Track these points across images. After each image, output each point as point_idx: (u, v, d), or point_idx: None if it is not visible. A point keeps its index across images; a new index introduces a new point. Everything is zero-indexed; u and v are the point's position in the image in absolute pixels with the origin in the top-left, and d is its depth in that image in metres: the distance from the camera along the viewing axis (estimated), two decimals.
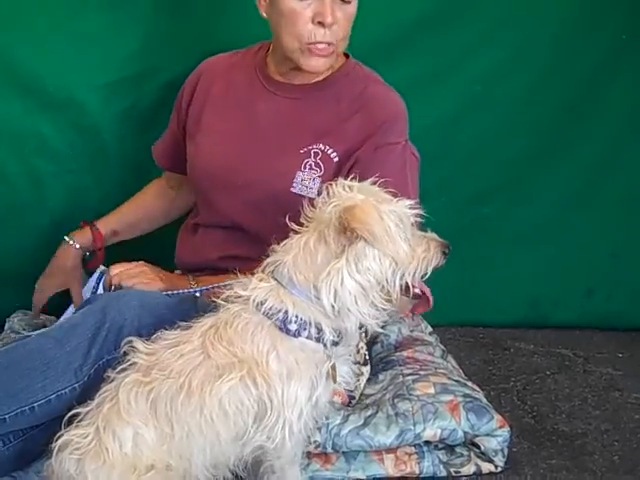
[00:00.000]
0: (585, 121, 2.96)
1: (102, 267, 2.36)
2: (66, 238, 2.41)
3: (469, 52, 2.84)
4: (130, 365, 1.68)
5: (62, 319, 2.32)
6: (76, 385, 1.82)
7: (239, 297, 1.70)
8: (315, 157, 2.12)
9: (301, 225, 1.68)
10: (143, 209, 2.52)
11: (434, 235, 1.71)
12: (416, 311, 1.89)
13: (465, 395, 2.19)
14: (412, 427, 2.09)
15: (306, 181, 2.11)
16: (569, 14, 2.86)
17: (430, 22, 2.81)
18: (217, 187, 2.21)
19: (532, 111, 2.94)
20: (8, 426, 1.83)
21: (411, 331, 2.61)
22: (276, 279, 1.68)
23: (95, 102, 2.68)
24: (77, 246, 2.39)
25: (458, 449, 2.15)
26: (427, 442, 2.12)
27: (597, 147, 2.99)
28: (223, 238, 2.21)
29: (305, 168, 2.12)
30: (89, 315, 1.86)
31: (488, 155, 2.96)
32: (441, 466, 2.13)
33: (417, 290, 1.70)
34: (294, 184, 2.12)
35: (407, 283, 1.67)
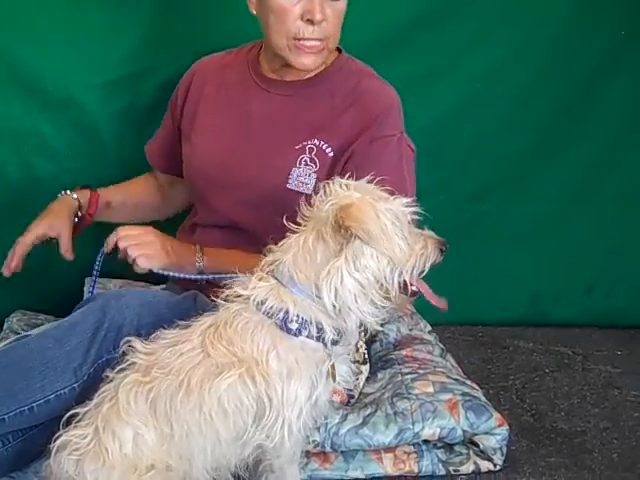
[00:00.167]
0: (584, 119, 2.96)
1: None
2: (65, 191, 2.38)
3: (467, 50, 2.84)
4: (129, 365, 1.68)
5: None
6: (75, 385, 1.81)
7: (239, 296, 1.69)
8: (310, 153, 2.12)
9: (298, 224, 1.68)
10: (135, 197, 2.50)
11: (431, 233, 1.71)
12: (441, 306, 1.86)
13: (464, 394, 2.19)
14: (411, 426, 2.09)
15: (301, 177, 2.11)
16: (567, 12, 2.86)
17: (428, 20, 2.81)
18: (213, 187, 2.21)
19: (531, 109, 2.94)
20: (7, 426, 1.83)
21: (410, 330, 2.61)
22: (276, 278, 1.68)
23: (94, 101, 2.68)
24: (74, 196, 2.34)
25: (457, 448, 2.15)
26: (426, 441, 2.13)
27: (596, 144, 3.00)
28: (221, 238, 2.20)
29: (300, 164, 2.12)
30: (88, 314, 1.85)
31: (487, 153, 2.96)
32: (440, 465, 2.13)
33: (413, 288, 1.70)
34: (289, 180, 2.12)
35: (405, 281, 1.67)
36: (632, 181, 3.04)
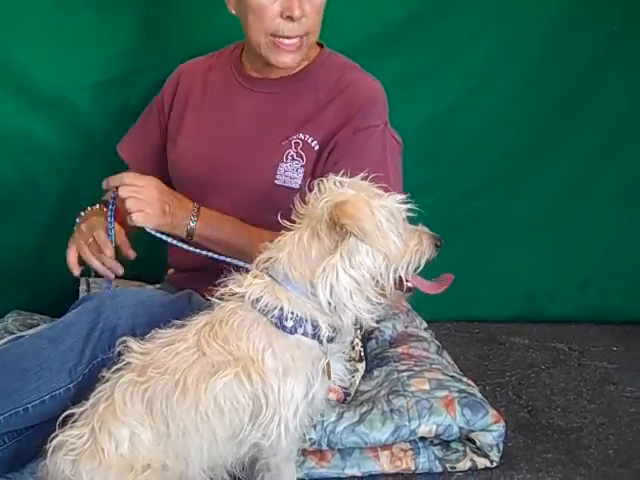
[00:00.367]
0: (578, 115, 2.97)
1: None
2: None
3: (461, 48, 2.85)
4: (125, 365, 1.67)
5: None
6: (70, 385, 1.80)
7: (234, 294, 1.69)
8: (296, 147, 2.11)
9: (292, 220, 1.68)
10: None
11: (425, 228, 1.71)
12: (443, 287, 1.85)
13: (460, 390, 2.19)
14: (407, 423, 2.09)
15: (289, 172, 2.11)
16: (560, 9, 2.87)
17: (423, 18, 2.82)
18: (202, 188, 2.18)
19: (525, 105, 2.94)
20: (2, 427, 1.82)
21: (406, 327, 2.61)
22: (271, 275, 1.67)
23: (87, 101, 2.69)
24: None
25: (453, 445, 2.16)
26: (422, 438, 2.13)
27: (591, 140, 3.00)
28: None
29: (287, 159, 2.11)
30: (83, 314, 1.85)
31: (482, 149, 2.97)
32: (437, 462, 2.13)
33: (409, 284, 1.70)
34: (277, 176, 2.11)
35: (400, 277, 1.67)
36: (627, 177, 3.05)
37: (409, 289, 1.72)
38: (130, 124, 2.42)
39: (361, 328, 1.91)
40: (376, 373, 2.33)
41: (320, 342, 1.68)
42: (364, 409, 2.14)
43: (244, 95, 2.21)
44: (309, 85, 2.16)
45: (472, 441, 2.15)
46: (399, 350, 2.45)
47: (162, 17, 2.67)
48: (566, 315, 3.11)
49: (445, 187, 2.99)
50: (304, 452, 2.06)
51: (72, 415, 1.68)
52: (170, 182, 2.23)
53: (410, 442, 2.14)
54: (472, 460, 2.15)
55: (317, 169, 2.10)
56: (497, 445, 2.15)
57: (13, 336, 2.06)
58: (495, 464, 2.15)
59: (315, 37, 2.14)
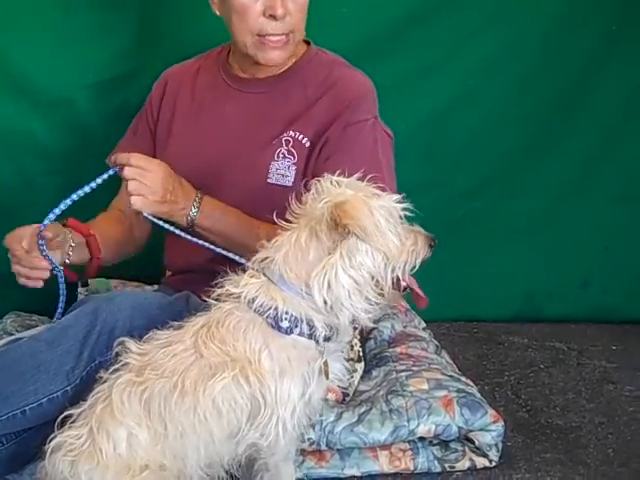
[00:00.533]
0: (577, 114, 2.97)
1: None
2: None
3: (460, 47, 2.85)
4: (123, 365, 1.67)
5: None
6: (68, 388, 1.80)
7: (230, 295, 1.69)
8: (287, 145, 2.11)
9: (286, 219, 1.68)
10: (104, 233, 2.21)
11: (420, 228, 1.71)
12: (420, 304, 1.85)
13: (459, 390, 2.19)
14: (406, 423, 2.09)
15: (281, 170, 2.11)
16: (559, 8, 2.87)
17: (421, 17, 2.82)
18: None
19: (524, 105, 2.95)
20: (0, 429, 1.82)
21: (404, 327, 2.61)
22: (266, 275, 1.67)
23: (85, 101, 2.69)
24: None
25: (452, 444, 2.15)
26: (421, 438, 2.13)
27: (590, 139, 3.01)
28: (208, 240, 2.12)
29: (278, 157, 2.11)
30: (81, 317, 1.84)
31: (480, 149, 2.97)
32: (436, 462, 2.13)
33: (404, 283, 1.70)
34: (269, 175, 2.11)
35: (397, 277, 1.67)
36: (626, 176, 3.05)
37: (404, 288, 1.72)
38: (129, 124, 2.42)
39: (358, 327, 1.92)
40: (375, 373, 2.33)
41: (317, 342, 1.68)
42: (363, 409, 2.14)
43: (233, 96, 2.21)
44: (297, 83, 2.16)
45: (471, 441, 2.15)
46: (398, 350, 2.45)
47: (161, 17, 2.67)
48: (565, 314, 3.11)
49: (443, 187, 2.99)
50: (303, 452, 2.06)
51: (70, 416, 1.68)
52: None
53: (409, 442, 2.13)
54: (471, 460, 2.15)
55: (309, 166, 2.10)
56: (496, 445, 2.15)
57: (11, 338, 2.06)
58: (494, 464, 2.15)
59: (301, 34, 2.14)
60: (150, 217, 1.97)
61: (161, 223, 1.99)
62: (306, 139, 2.12)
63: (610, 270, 3.12)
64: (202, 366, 1.63)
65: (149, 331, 1.72)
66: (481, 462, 2.15)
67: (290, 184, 2.08)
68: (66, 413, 1.68)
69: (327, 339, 1.69)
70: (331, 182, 1.67)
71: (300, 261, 1.64)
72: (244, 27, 2.06)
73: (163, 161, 2.19)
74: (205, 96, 2.24)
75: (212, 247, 1.98)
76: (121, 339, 1.71)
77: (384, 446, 2.12)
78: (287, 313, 1.65)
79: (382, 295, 1.67)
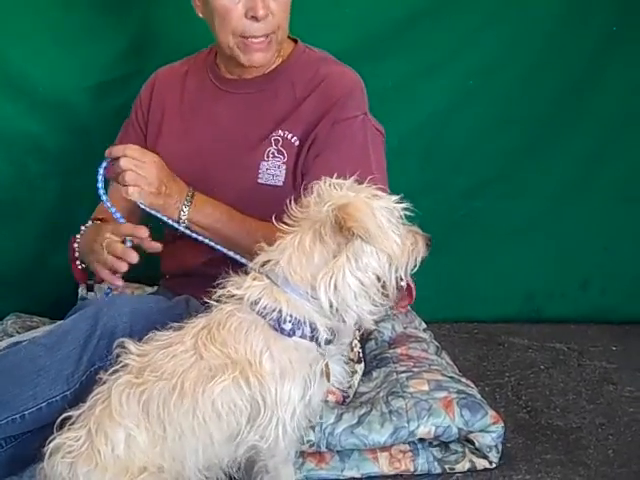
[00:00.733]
0: (577, 115, 2.97)
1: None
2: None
3: (460, 48, 2.86)
4: (122, 367, 1.67)
5: None
6: (67, 393, 1.80)
7: (232, 296, 1.69)
8: (276, 144, 2.11)
9: (279, 219, 1.68)
10: None
11: (417, 228, 1.71)
12: (400, 305, 1.87)
13: (459, 391, 2.19)
14: (406, 424, 2.09)
15: (271, 170, 2.11)
16: (560, 8, 2.87)
17: (422, 18, 2.83)
18: None
19: (524, 105, 2.95)
20: None
21: (405, 328, 2.61)
22: (270, 278, 1.67)
23: (85, 103, 2.70)
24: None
25: (452, 446, 2.15)
26: (421, 439, 2.12)
27: (589, 140, 3.01)
28: (203, 244, 2.08)
29: (268, 157, 2.11)
30: (80, 321, 1.83)
31: (480, 150, 2.97)
32: (436, 463, 2.13)
33: (403, 283, 1.70)
34: (259, 174, 2.11)
35: (400, 276, 1.68)
36: (626, 177, 3.05)
37: (404, 288, 1.72)
38: None
39: (360, 329, 1.92)
40: (375, 374, 2.32)
41: (318, 344, 1.68)
42: (363, 411, 2.14)
43: (221, 97, 2.20)
44: (285, 82, 2.16)
45: (471, 442, 2.14)
46: (398, 351, 2.44)
47: (160, 19, 2.67)
48: (565, 315, 3.10)
49: (443, 187, 2.99)
50: (303, 454, 2.06)
51: (70, 417, 1.67)
52: None
53: (409, 443, 2.13)
54: (471, 461, 2.15)
55: (298, 164, 2.09)
56: (496, 446, 2.14)
57: (10, 341, 2.06)
58: (494, 465, 2.15)
59: (284, 33, 2.13)
60: (147, 209, 1.97)
61: (158, 215, 1.99)
62: (295, 138, 2.11)
63: (610, 271, 3.12)
64: (202, 368, 1.62)
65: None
66: (481, 463, 2.15)
67: (280, 183, 2.09)
68: (65, 415, 1.68)
69: (328, 342, 1.69)
70: (331, 185, 1.67)
71: (305, 264, 1.64)
72: (226, 29, 2.05)
73: None
74: (194, 98, 2.24)
75: (205, 240, 1.97)
76: (121, 340, 1.71)
77: (384, 447, 2.11)
78: (290, 315, 1.64)
79: (386, 296, 1.68)
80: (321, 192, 1.67)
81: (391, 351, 2.45)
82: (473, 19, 2.84)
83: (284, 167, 2.10)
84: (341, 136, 2.08)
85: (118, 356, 1.69)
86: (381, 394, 2.20)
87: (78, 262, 2.11)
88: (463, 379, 2.32)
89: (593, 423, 2.41)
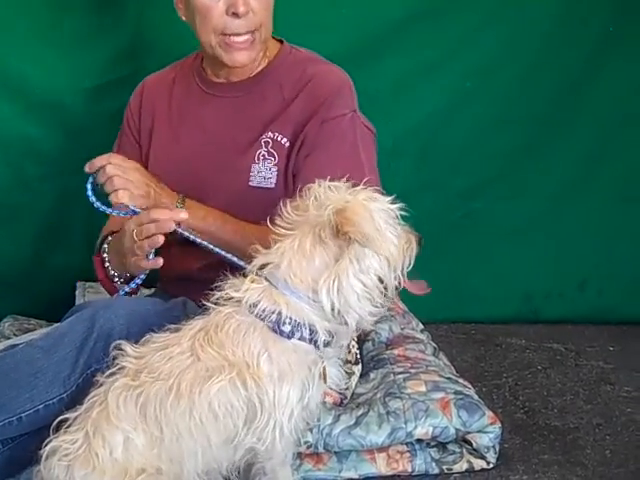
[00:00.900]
0: (575, 115, 2.98)
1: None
2: None
3: (458, 49, 2.87)
4: (119, 369, 1.67)
5: None
6: (64, 395, 1.79)
7: (230, 299, 1.69)
8: (266, 146, 2.11)
9: (272, 221, 1.68)
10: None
11: (409, 227, 1.72)
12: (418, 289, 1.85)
13: (456, 392, 2.19)
14: (404, 425, 2.09)
15: (262, 172, 2.10)
16: (557, 9, 2.87)
17: (419, 19, 2.83)
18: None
19: (521, 105, 2.95)
20: None
21: (402, 329, 2.60)
22: (269, 281, 1.67)
23: (82, 105, 2.70)
24: None
25: (450, 446, 2.15)
26: (419, 440, 2.12)
27: (587, 140, 3.01)
28: (198, 249, 2.06)
29: (259, 160, 2.11)
30: (77, 324, 1.83)
31: (478, 150, 2.98)
32: (433, 464, 2.13)
33: (397, 282, 1.71)
34: (251, 177, 2.10)
35: (398, 277, 1.68)
36: (624, 177, 3.05)
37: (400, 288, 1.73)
38: None
39: (358, 330, 1.92)
40: (372, 375, 2.32)
41: (317, 347, 1.68)
42: (360, 412, 2.13)
43: (209, 102, 2.20)
44: (273, 83, 2.15)
45: (469, 443, 2.15)
46: (395, 352, 2.44)
47: (157, 21, 2.67)
48: (563, 316, 3.11)
49: (441, 188, 3.00)
50: (301, 455, 2.06)
51: (66, 420, 1.67)
52: None
53: (406, 444, 2.13)
54: (469, 462, 2.15)
55: (290, 165, 2.09)
56: (494, 446, 2.14)
57: (7, 344, 2.06)
58: (492, 465, 2.15)
59: (267, 32, 2.11)
60: (139, 211, 1.96)
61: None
62: (285, 139, 2.11)
63: (608, 271, 3.12)
64: (198, 369, 1.62)
65: None
66: (479, 464, 2.15)
67: (272, 185, 2.08)
68: (62, 417, 1.67)
69: (326, 344, 1.69)
70: (328, 187, 1.67)
71: (305, 267, 1.64)
72: (208, 27, 2.04)
73: (147, 169, 2.18)
74: (182, 104, 2.23)
75: (206, 244, 1.96)
76: (117, 342, 1.70)
77: (381, 448, 2.11)
78: (290, 318, 1.64)
79: (386, 296, 1.68)
80: (318, 195, 1.67)
81: (388, 352, 2.44)
82: (470, 20, 2.85)
83: (275, 169, 2.10)
84: (330, 135, 2.07)
85: (115, 358, 1.68)
86: (378, 395, 2.20)
87: (114, 274, 2.10)
88: (460, 380, 2.32)
89: (590, 423, 2.41)
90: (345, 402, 2.21)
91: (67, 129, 2.71)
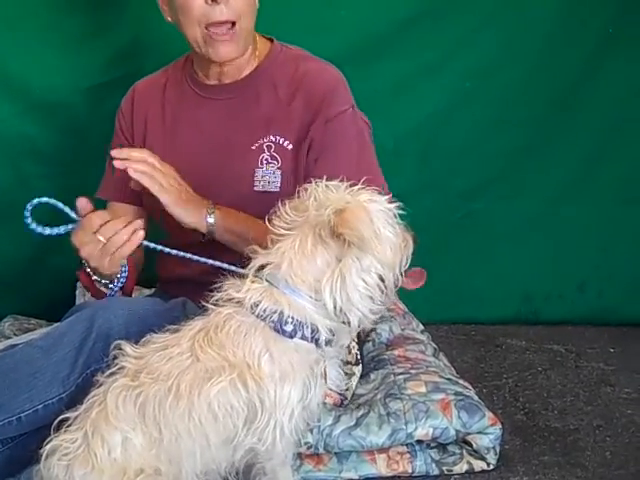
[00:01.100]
0: (574, 116, 2.97)
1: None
2: None
3: (457, 49, 2.86)
4: (118, 369, 1.66)
5: None
6: (63, 395, 1.79)
7: (230, 299, 1.68)
8: (269, 150, 2.10)
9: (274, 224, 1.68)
10: None
11: (404, 226, 1.72)
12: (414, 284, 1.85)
13: (457, 393, 2.19)
14: (404, 426, 2.09)
15: (267, 176, 2.09)
16: (556, 10, 2.87)
17: (418, 20, 2.83)
18: None
19: (521, 106, 2.95)
20: None
21: (402, 330, 2.60)
22: (269, 281, 1.67)
23: (81, 104, 2.70)
24: None
25: (450, 447, 2.15)
26: (419, 441, 2.12)
27: (587, 141, 3.01)
28: (199, 253, 2.02)
29: (262, 164, 2.10)
30: (76, 324, 1.83)
31: (478, 151, 2.97)
32: (433, 465, 2.13)
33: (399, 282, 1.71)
34: (255, 182, 2.09)
35: (397, 275, 1.68)
36: (624, 178, 3.05)
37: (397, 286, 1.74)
38: None
39: (359, 330, 1.91)
40: (373, 376, 2.32)
41: (318, 345, 1.68)
42: (361, 412, 2.13)
43: (203, 105, 2.18)
44: (266, 83, 2.14)
45: (469, 444, 2.14)
46: (396, 353, 2.44)
47: (156, 21, 2.65)
48: (563, 317, 3.11)
49: (441, 188, 3.00)
50: (301, 456, 2.06)
51: (67, 419, 1.67)
52: None
53: (407, 445, 2.13)
54: (469, 463, 2.15)
55: (298, 169, 2.08)
56: (494, 448, 2.14)
57: (7, 344, 2.06)
58: (492, 467, 2.15)
59: (248, 23, 2.08)
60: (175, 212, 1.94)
61: (183, 218, 1.97)
62: (287, 142, 2.10)
63: (608, 272, 3.12)
64: (198, 370, 1.62)
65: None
66: (479, 465, 2.15)
67: (277, 189, 2.07)
68: (62, 417, 1.67)
69: (327, 343, 1.69)
70: (328, 187, 1.67)
71: (306, 266, 1.63)
72: (191, 20, 2.03)
73: None
74: (176, 109, 2.22)
75: (196, 258, 1.94)
76: (117, 342, 1.70)
77: (382, 449, 2.11)
78: (292, 317, 1.64)
79: (386, 294, 1.68)
80: (317, 195, 1.67)
81: (389, 353, 2.44)
82: (470, 20, 2.84)
83: (279, 172, 2.09)
84: (335, 134, 2.07)
85: (114, 358, 1.68)
86: (379, 396, 2.20)
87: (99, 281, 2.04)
88: (461, 381, 2.32)
89: (590, 425, 2.41)
90: (345, 403, 2.21)
91: (67, 129, 2.71)
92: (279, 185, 2.08)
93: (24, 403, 1.79)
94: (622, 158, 3.02)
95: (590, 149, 3.02)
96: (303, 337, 1.65)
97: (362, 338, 2.48)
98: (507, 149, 2.98)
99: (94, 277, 1.98)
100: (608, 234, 3.09)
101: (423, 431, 2.10)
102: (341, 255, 1.62)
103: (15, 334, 2.54)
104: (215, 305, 1.69)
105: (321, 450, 2.07)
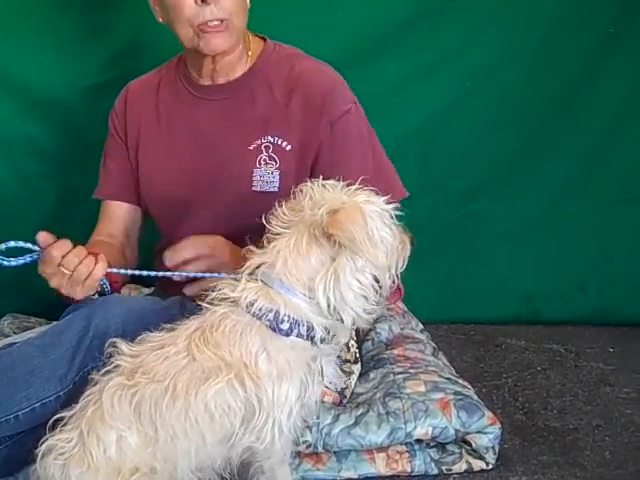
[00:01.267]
0: (574, 116, 2.97)
1: None
2: None
3: (457, 49, 2.86)
4: (114, 368, 1.66)
5: None
6: (61, 393, 1.79)
7: (226, 299, 1.68)
8: (267, 151, 2.08)
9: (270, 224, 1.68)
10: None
11: (402, 228, 1.71)
12: (391, 301, 1.87)
13: (456, 393, 2.19)
14: (403, 426, 2.09)
15: (265, 177, 2.08)
16: (556, 10, 2.86)
17: (418, 20, 2.82)
18: (181, 209, 2.14)
19: (521, 107, 2.95)
20: None
21: (402, 329, 2.61)
22: (263, 281, 1.67)
23: (81, 103, 2.70)
24: None
25: (449, 447, 2.15)
26: (418, 440, 2.12)
27: (587, 141, 3.00)
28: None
29: (260, 164, 2.08)
30: (74, 322, 1.83)
31: (478, 151, 2.97)
32: (432, 464, 2.13)
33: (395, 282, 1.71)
34: (254, 182, 2.08)
35: (392, 276, 1.69)
36: (624, 178, 3.04)
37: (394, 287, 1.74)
38: None
39: (357, 331, 1.92)
40: (372, 375, 2.32)
41: (313, 343, 1.68)
42: (360, 411, 2.13)
43: (198, 105, 2.16)
44: (261, 83, 2.12)
45: (468, 443, 2.14)
46: (395, 352, 2.44)
47: (154, 21, 2.65)
48: (563, 317, 3.10)
49: (441, 188, 2.99)
50: (300, 455, 2.06)
51: (62, 419, 1.67)
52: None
53: (406, 444, 2.13)
54: (468, 462, 2.15)
55: (299, 171, 2.06)
56: (493, 447, 2.14)
57: (5, 342, 2.06)
58: (491, 466, 2.15)
59: (239, 21, 2.05)
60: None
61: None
62: (286, 143, 2.08)
63: (608, 272, 3.11)
64: (194, 370, 1.62)
65: None
66: (478, 465, 2.15)
67: (276, 189, 2.06)
68: (57, 416, 1.67)
69: (322, 340, 1.69)
70: (324, 186, 1.67)
71: (301, 265, 1.64)
72: (182, 20, 2.01)
73: (143, 184, 2.20)
74: (170, 110, 2.20)
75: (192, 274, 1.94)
76: (113, 340, 1.70)
77: (381, 448, 2.11)
78: (288, 316, 1.64)
79: (381, 295, 1.68)
80: (313, 195, 1.67)
81: (388, 352, 2.44)
82: (470, 20, 2.84)
83: (277, 173, 2.07)
84: (343, 136, 2.06)
85: (110, 356, 1.68)
86: (378, 395, 2.20)
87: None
88: (460, 380, 2.32)
89: (590, 425, 2.40)
90: (344, 402, 2.20)
91: (67, 128, 2.71)
92: (277, 185, 2.07)
93: (21, 401, 1.79)
94: (622, 158, 3.02)
95: (590, 149, 3.01)
96: (299, 335, 1.66)
97: (361, 337, 2.48)
98: (507, 149, 2.98)
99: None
100: (608, 234, 3.08)
101: (422, 430, 2.09)
102: (335, 255, 1.62)
103: (14, 332, 2.54)
104: (210, 304, 1.69)
105: (320, 449, 2.07)
